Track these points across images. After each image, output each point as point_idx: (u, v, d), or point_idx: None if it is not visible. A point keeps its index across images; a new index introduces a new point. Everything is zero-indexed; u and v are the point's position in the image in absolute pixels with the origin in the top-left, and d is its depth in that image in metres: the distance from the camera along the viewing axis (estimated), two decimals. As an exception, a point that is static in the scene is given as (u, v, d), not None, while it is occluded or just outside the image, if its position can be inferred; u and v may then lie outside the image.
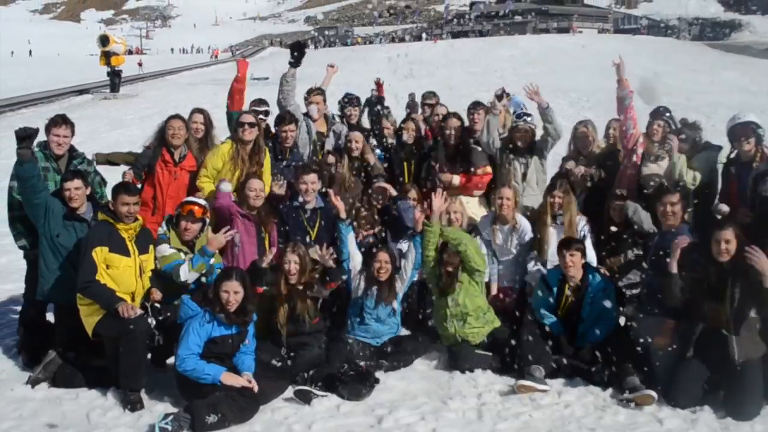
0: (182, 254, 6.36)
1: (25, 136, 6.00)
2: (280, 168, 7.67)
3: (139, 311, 5.80)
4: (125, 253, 6.05)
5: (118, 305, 5.71)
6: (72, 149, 6.83)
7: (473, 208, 7.79)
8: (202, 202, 6.54)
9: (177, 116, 7.28)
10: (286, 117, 7.77)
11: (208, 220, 6.58)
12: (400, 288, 6.84)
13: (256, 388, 5.59)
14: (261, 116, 7.84)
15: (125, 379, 5.71)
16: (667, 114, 7.73)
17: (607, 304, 6.38)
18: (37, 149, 6.57)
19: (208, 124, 7.64)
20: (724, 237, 5.57)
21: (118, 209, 6.01)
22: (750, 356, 5.54)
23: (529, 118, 7.86)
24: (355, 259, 6.90)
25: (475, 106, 8.60)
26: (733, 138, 6.76)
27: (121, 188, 6.13)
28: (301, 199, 7.09)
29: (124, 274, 6.02)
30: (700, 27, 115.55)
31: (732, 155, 6.90)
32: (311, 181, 7.02)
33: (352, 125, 8.89)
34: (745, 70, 45.18)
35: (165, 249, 6.38)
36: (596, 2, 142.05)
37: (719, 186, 7.23)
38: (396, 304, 6.80)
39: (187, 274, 6.21)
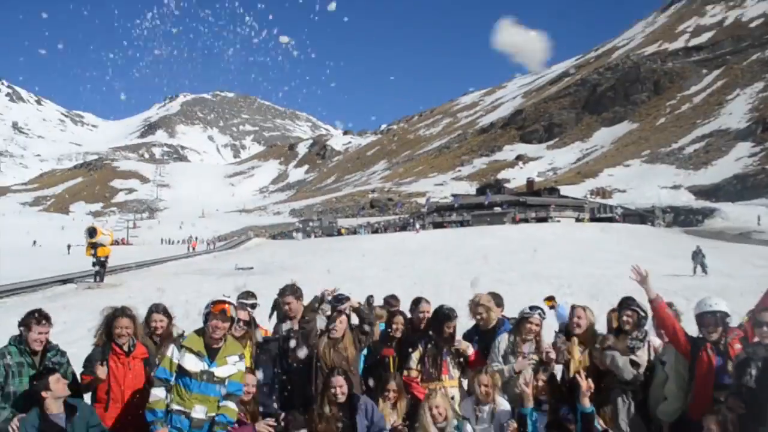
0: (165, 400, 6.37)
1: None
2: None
3: None
4: None
5: None
6: (46, 341, 6.64)
7: (455, 396, 7.62)
8: (233, 302, 6.69)
9: (124, 314, 7.14)
10: (287, 289, 7.96)
11: (236, 319, 6.77)
12: None
13: None
14: (249, 308, 7.96)
15: None
16: (634, 304, 7.75)
17: None
18: (11, 344, 6.47)
19: (168, 318, 7.82)
20: (707, 424, 5.65)
21: None
22: None
23: (542, 315, 7.78)
24: None
25: (477, 305, 8.65)
26: (701, 325, 6.68)
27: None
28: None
29: None
30: (673, 215, 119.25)
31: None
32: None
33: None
34: (720, 255, 46.23)
35: (158, 393, 6.34)
36: (572, 193, 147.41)
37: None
38: None
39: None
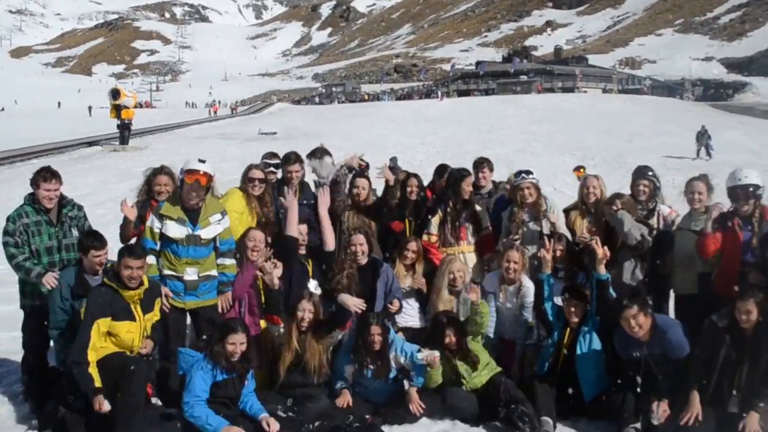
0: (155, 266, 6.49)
1: None
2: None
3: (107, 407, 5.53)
4: (130, 318, 5.87)
5: (94, 397, 5.51)
6: (61, 197, 6.66)
7: (471, 263, 7.71)
8: (209, 170, 6.56)
9: (162, 171, 7.23)
10: (291, 157, 7.84)
11: (212, 186, 6.73)
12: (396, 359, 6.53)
13: (276, 428, 5.58)
14: (272, 168, 7.94)
15: (123, 427, 5.49)
16: (650, 173, 7.65)
17: (595, 347, 6.40)
18: (27, 203, 6.53)
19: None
20: (745, 308, 5.54)
21: (121, 272, 5.77)
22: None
23: (528, 176, 7.70)
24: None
25: (482, 163, 8.65)
26: (733, 198, 6.62)
27: (125, 251, 5.88)
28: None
29: (126, 338, 5.86)
30: (703, 88, 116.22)
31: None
32: (305, 231, 7.12)
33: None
34: (748, 131, 45.45)
35: (148, 260, 6.28)
36: (601, 63, 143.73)
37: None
38: (392, 372, 6.53)
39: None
